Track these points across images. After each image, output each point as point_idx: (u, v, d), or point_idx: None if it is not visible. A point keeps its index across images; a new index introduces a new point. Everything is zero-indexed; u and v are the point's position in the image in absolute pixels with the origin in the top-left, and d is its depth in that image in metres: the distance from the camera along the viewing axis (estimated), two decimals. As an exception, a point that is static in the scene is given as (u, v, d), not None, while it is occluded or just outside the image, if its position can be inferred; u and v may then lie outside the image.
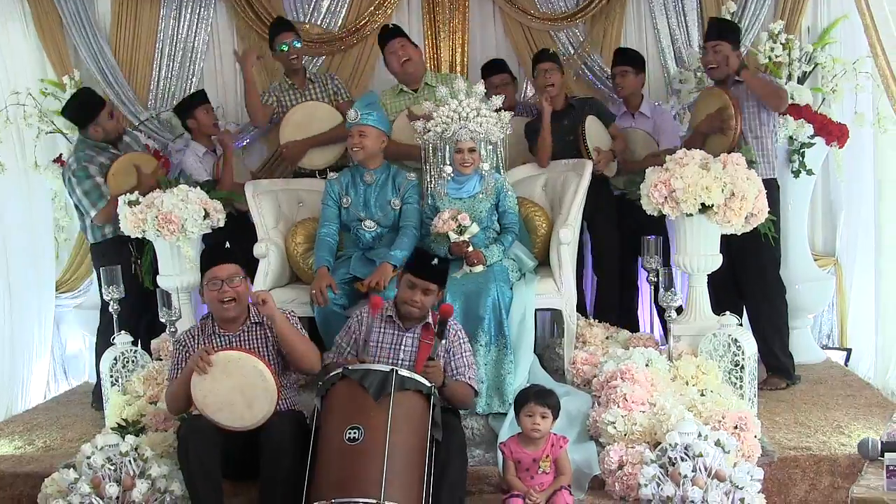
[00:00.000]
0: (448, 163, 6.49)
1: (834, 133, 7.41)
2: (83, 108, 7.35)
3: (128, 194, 6.68)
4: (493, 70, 7.81)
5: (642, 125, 7.60)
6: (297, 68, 7.69)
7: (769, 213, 6.28)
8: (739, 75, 6.86)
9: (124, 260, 7.09)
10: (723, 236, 6.32)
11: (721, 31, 6.98)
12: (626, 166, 7.25)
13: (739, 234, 6.25)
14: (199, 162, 7.56)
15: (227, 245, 5.55)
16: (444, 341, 5.41)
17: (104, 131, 7.31)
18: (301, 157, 7.50)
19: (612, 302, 7.54)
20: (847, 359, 8.03)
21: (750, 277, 7.03)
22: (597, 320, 6.99)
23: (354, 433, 4.75)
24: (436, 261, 5.49)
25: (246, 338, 5.45)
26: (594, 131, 7.13)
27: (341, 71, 8.43)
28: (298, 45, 7.63)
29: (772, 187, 6.84)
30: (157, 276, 6.84)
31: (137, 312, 7.10)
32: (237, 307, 5.40)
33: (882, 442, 5.13)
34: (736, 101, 6.73)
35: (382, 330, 5.52)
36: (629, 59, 7.66)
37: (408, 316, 5.48)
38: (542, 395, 5.19)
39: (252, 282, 6.48)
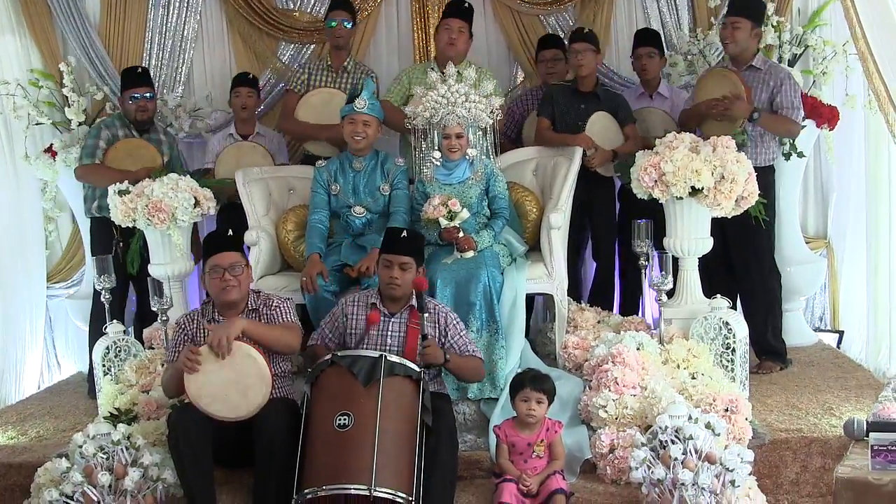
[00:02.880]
0: (437, 148, 6.47)
1: (824, 115, 7.38)
2: (123, 76, 7.53)
3: (118, 184, 6.67)
4: (547, 44, 7.84)
5: (661, 105, 7.55)
6: (341, 48, 7.66)
7: (761, 196, 6.27)
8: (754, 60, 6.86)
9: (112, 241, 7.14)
10: (718, 220, 6.32)
11: (741, 6, 6.84)
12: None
13: (730, 217, 6.24)
14: (223, 140, 7.75)
15: (230, 232, 5.55)
16: (428, 318, 5.42)
17: (124, 108, 7.39)
18: (307, 140, 7.57)
19: (611, 288, 7.56)
20: (839, 341, 8.04)
21: (745, 261, 7.00)
22: (594, 306, 7.00)
23: (344, 420, 4.76)
24: (405, 234, 5.51)
25: None
26: (598, 128, 7.09)
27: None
28: (349, 26, 7.61)
29: (769, 172, 6.89)
30: (149, 265, 6.83)
31: (120, 298, 7.12)
32: (238, 292, 5.39)
33: (867, 422, 5.13)
34: (749, 90, 6.65)
35: (367, 317, 5.53)
36: (654, 41, 7.63)
37: (391, 298, 5.49)
38: (538, 380, 5.20)
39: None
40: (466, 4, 7.30)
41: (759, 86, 6.80)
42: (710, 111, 6.69)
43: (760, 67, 6.85)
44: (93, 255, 7.12)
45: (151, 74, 7.93)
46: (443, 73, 6.63)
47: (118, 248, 6.94)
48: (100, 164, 7.12)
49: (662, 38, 7.93)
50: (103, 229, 7.25)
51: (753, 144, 6.78)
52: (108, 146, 7.17)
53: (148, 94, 7.39)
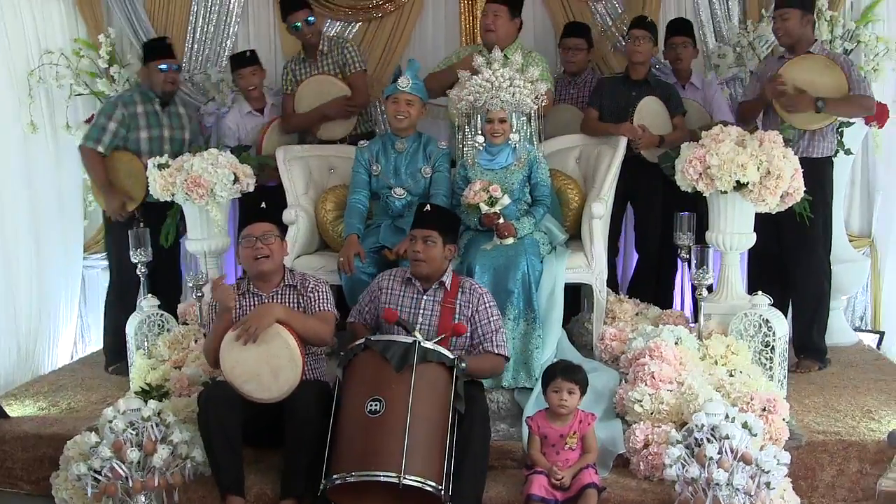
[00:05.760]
0: (480, 132, 6.40)
1: (874, 113, 7.27)
2: (149, 47, 7.43)
3: (157, 157, 6.66)
4: (570, 32, 7.78)
5: (693, 97, 7.50)
6: (314, 43, 7.66)
7: (807, 193, 6.17)
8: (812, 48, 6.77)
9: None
10: (773, 215, 6.23)
11: None
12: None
13: (774, 212, 6.15)
14: (240, 118, 7.68)
15: (264, 205, 5.57)
16: (461, 297, 5.47)
17: (150, 80, 7.31)
18: (314, 130, 7.57)
19: (650, 280, 7.49)
20: (879, 342, 7.95)
21: (798, 257, 6.90)
22: (631, 297, 6.94)
23: (376, 405, 4.71)
24: (428, 206, 5.50)
25: (278, 299, 5.43)
26: (648, 111, 7.02)
27: (376, 41, 8.43)
28: (312, 21, 7.57)
29: (826, 164, 6.84)
30: (185, 240, 6.82)
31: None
32: (270, 263, 5.40)
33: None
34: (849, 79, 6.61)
35: (402, 293, 5.51)
36: (688, 31, 7.58)
37: (419, 274, 5.47)
38: (570, 370, 5.14)
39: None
40: None
41: None
42: (776, 97, 6.64)
43: (820, 55, 6.75)
44: (107, 232, 7.35)
45: (195, 48, 7.96)
46: (489, 57, 6.55)
47: (137, 226, 6.87)
48: (101, 154, 7.09)
49: (711, 30, 7.86)
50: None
51: (811, 134, 6.74)
52: (122, 125, 7.12)
53: (175, 66, 7.39)
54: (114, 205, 7.06)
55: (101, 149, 7.09)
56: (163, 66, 7.24)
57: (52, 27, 8.10)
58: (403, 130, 6.51)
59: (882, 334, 8.02)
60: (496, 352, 5.46)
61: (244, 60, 7.71)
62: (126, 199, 7.06)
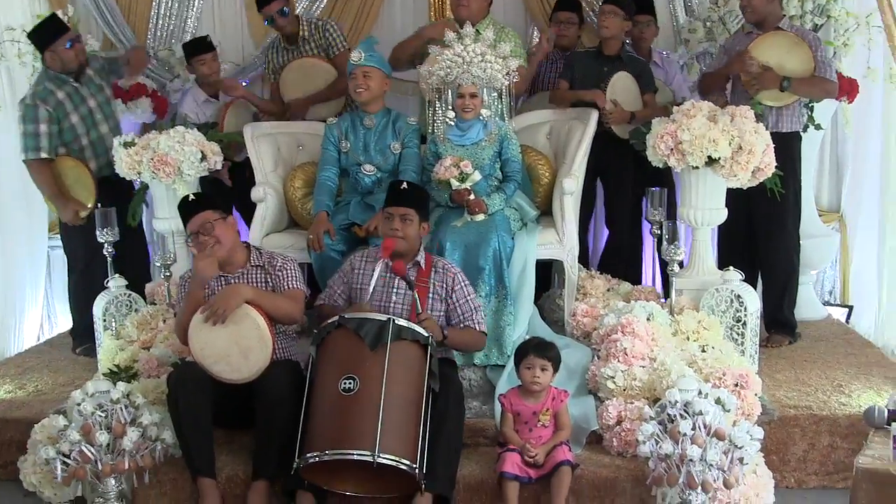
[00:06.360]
0: (451, 108, 6.36)
1: (844, 88, 7.25)
2: (42, 31, 7.09)
3: (123, 136, 6.59)
4: (561, 6, 7.75)
5: (655, 74, 7.48)
6: (293, 31, 7.61)
7: (778, 168, 6.17)
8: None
9: None
10: (744, 190, 6.23)
11: None
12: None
13: (745, 188, 6.15)
14: (197, 107, 7.52)
15: (191, 196, 5.45)
16: (441, 286, 5.42)
17: (61, 61, 7.02)
18: (305, 114, 7.48)
19: (622, 256, 7.48)
20: (848, 316, 7.98)
21: (769, 231, 6.92)
22: (604, 273, 6.93)
23: (350, 383, 4.68)
24: (405, 185, 5.46)
25: (245, 280, 5.38)
26: (620, 87, 7.00)
27: (343, 18, 8.36)
28: (287, 12, 7.50)
29: (794, 138, 6.86)
30: (154, 219, 6.77)
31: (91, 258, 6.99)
32: (221, 249, 5.32)
33: (889, 410, 5.04)
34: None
35: (375, 273, 5.44)
36: (650, 9, 7.62)
37: (395, 252, 5.40)
38: (542, 347, 5.13)
39: (248, 227, 6.45)
40: None
41: None
42: (743, 71, 6.65)
43: (789, 32, 6.73)
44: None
45: (159, 23, 8.00)
46: (460, 32, 6.49)
47: (95, 206, 6.79)
48: (44, 162, 6.94)
49: (682, 4, 7.93)
50: None
51: (779, 108, 6.74)
52: (56, 122, 6.95)
53: (75, 36, 7.14)
54: (67, 215, 6.97)
55: (44, 154, 6.91)
56: (68, 44, 7.00)
57: (12, 3, 7.98)
58: (368, 105, 6.45)
59: (851, 308, 8.05)
60: (479, 329, 5.47)
61: (204, 46, 7.63)
62: (78, 206, 6.94)
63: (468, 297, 5.47)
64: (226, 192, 7.03)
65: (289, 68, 7.55)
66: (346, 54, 7.26)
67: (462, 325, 5.44)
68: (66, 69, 7.03)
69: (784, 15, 6.89)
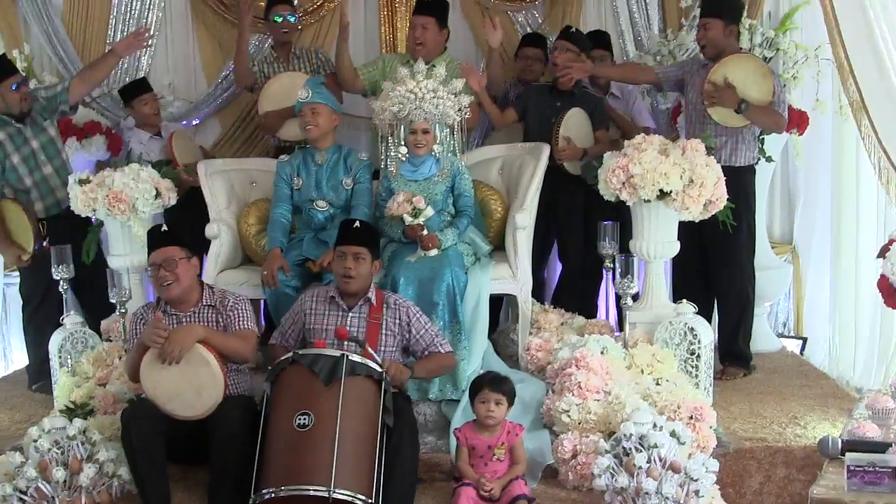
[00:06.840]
0: (403, 143, 6.38)
1: (794, 120, 7.32)
2: None
3: (78, 173, 6.57)
4: (528, 42, 7.81)
5: (615, 105, 7.56)
6: (286, 42, 7.68)
7: (730, 201, 6.20)
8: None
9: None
10: (696, 223, 6.25)
11: (710, 6, 6.80)
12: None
13: (697, 221, 6.18)
14: (143, 146, 7.51)
15: (165, 228, 5.48)
16: (388, 313, 5.49)
17: (5, 102, 6.97)
18: (278, 128, 7.39)
19: (575, 290, 7.47)
20: (803, 348, 8.02)
21: (723, 264, 6.95)
22: (557, 308, 6.92)
23: (304, 419, 4.69)
24: (357, 223, 5.50)
25: (197, 320, 5.39)
26: (573, 123, 7.02)
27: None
28: (293, 20, 7.65)
29: (748, 172, 6.92)
30: (109, 256, 6.74)
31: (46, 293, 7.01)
32: (177, 288, 5.34)
33: (842, 441, 5.08)
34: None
35: (327, 312, 5.49)
36: (606, 44, 7.69)
37: (347, 292, 5.45)
38: (497, 381, 5.14)
39: (202, 263, 6.43)
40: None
41: None
42: (709, 82, 6.64)
43: (761, 61, 6.80)
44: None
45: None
46: (413, 68, 6.51)
47: (35, 251, 6.80)
48: None
49: (631, 38, 8.02)
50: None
51: (734, 143, 6.80)
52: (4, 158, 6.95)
53: (22, 79, 7.12)
54: (10, 259, 7.04)
55: None
56: (13, 86, 6.94)
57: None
58: (318, 141, 6.47)
59: (805, 340, 8.09)
60: (444, 351, 5.53)
61: (145, 86, 7.72)
62: (20, 251, 6.94)
63: (426, 327, 5.53)
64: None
65: (272, 80, 7.46)
66: (333, 76, 7.35)
67: (427, 352, 5.49)
68: (10, 111, 6.99)
69: (741, 48, 6.95)
